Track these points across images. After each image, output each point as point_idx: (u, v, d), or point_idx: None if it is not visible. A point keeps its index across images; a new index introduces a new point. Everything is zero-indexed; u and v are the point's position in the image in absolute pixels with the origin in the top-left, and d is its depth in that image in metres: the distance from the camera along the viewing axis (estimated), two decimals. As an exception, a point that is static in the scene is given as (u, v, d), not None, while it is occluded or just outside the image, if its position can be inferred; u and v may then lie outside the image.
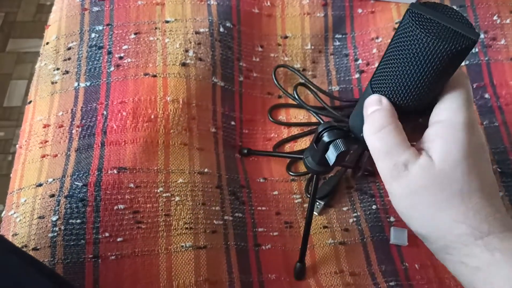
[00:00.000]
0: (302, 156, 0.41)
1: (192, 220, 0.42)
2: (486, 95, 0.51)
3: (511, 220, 0.28)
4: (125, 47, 0.49)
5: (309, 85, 0.53)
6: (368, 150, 0.30)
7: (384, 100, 0.29)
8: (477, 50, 0.52)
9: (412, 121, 0.32)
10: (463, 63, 0.52)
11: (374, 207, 0.46)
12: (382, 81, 0.29)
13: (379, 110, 0.29)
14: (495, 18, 0.53)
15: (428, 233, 0.29)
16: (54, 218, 0.40)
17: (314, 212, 0.46)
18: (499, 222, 0.27)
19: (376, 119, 0.28)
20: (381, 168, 0.29)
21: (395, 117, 0.28)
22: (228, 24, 0.52)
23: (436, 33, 0.25)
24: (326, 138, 0.35)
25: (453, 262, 0.28)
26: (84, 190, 0.41)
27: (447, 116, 0.28)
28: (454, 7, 0.54)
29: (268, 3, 0.55)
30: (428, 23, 0.26)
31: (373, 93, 0.30)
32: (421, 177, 0.27)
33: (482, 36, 0.53)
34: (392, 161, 0.28)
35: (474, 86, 0.51)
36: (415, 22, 0.26)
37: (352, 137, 0.35)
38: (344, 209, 0.47)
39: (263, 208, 0.47)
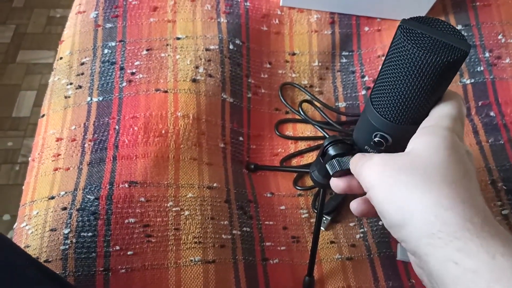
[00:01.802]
0: (308, 170, 0.42)
1: (201, 235, 0.42)
2: (492, 113, 0.51)
3: (500, 226, 0.24)
4: (137, 63, 0.50)
5: (314, 101, 0.54)
6: None
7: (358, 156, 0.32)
8: (482, 68, 0.53)
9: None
10: (468, 81, 0.53)
11: (380, 223, 0.47)
12: (380, 96, 0.30)
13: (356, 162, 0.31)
14: (499, 37, 0.54)
15: (407, 221, 0.25)
16: (66, 231, 0.41)
17: (321, 227, 0.47)
18: (492, 222, 0.24)
19: (356, 166, 0.31)
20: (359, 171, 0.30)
21: (367, 155, 0.31)
22: (237, 41, 0.53)
23: (427, 46, 0.26)
24: (331, 151, 0.36)
25: (438, 258, 0.23)
26: (96, 203, 0.41)
27: (433, 121, 0.28)
28: (460, 26, 0.55)
29: (277, 21, 0.56)
30: (419, 38, 0.26)
31: (373, 107, 0.31)
32: (399, 166, 0.26)
33: (487, 55, 0.54)
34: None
35: (480, 104, 0.52)
36: (407, 37, 0.27)
37: (357, 150, 0.35)
38: (351, 224, 0.47)
39: (271, 222, 0.47)
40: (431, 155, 0.26)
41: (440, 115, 0.28)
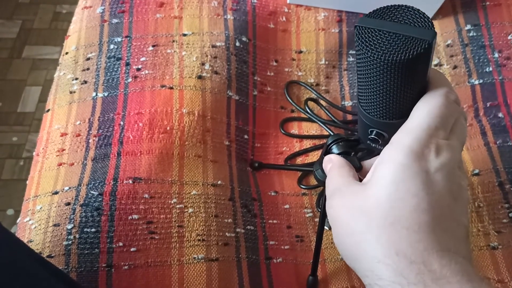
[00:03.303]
0: (312, 168, 0.41)
1: (205, 232, 0.42)
2: (500, 114, 0.51)
3: (464, 267, 0.22)
4: (143, 59, 0.50)
5: (320, 100, 0.53)
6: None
7: (333, 157, 0.32)
8: (491, 69, 0.53)
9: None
10: (476, 82, 0.53)
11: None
12: (361, 95, 0.29)
13: (331, 167, 0.32)
14: (509, 37, 0.54)
15: (354, 266, 0.26)
16: (69, 226, 0.41)
17: (325, 227, 0.47)
18: (438, 269, 0.22)
19: (329, 173, 0.31)
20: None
21: (340, 165, 0.31)
22: (244, 39, 0.53)
23: (383, 45, 0.24)
24: (335, 150, 0.35)
25: None
26: (100, 199, 0.41)
27: (396, 137, 0.26)
28: (469, 26, 0.54)
29: (284, 19, 0.56)
30: (375, 36, 0.24)
31: (360, 106, 0.30)
32: (348, 201, 0.26)
33: (496, 55, 0.53)
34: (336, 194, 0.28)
35: (488, 105, 0.51)
36: (362, 39, 0.25)
37: (361, 147, 0.35)
38: (356, 224, 0.47)
39: (274, 221, 0.47)
40: (379, 191, 0.24)
41: (407, 128, 0.25)
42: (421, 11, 0.25)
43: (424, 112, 0.25)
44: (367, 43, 0.24)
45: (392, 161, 0.25)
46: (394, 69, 0.24)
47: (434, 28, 0.24)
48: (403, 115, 0.28)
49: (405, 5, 0.25)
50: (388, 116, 0.29)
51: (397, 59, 0.24)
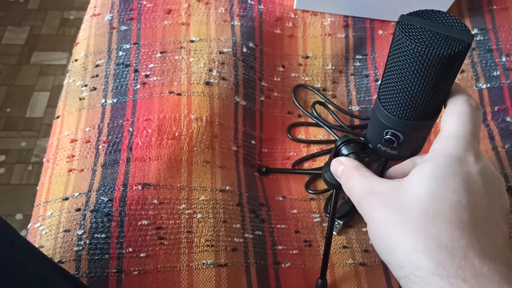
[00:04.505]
0: (320, 172, 0.41)
1: (214, 238, 0.42)
2: (508, 119, 0.50)
3: (503, 269, 0.23)
4: (151, 65, 0.50)
5: (327, 103, 0.53)
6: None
7: (343, 159, 0.33)
8: (498, 73, 0.52)
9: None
10: (484, 86, 0.53)
11: (394, 228, 0.46)
12: (386, 93, 0.30)
13: (343, 169, 0.32)
14: (516, 41, 0.54)
15: (390, 259, 0.26)
16: (79, 232, 0.41)
17: (334, 232, 0.47)
18: (478, 266, 0.22)
19: (344, 176, 0.31)
20: (356, 205, 0.29)
21: (356, 166, 0.31)
22: (251, 45, 0.53)
23: (426, 41, 0.25)
24: (344, 151, 0.36)
25: None
26: (110, 205, 0.42)
27: (435, 146, 0.27)
28: (476, 30, 0.54)
29: (290, 24, 0.56)
30: (418, 32, 0.26)
31: (381, 104, 0.30)
32: (385, 198, 0.27)
33: (503, 59, 0.53)
34: (364, 192, 0.28)
35: (496, 109, 0.51)
36: (405, 33, 0.26)
37: (370, 149, 0.35)
38: (364, 229, 0.47)
39: (283, 226, 0.47)
40: (418, 186, 0.25)
41: (444, 137, 0.27)
42: (456, 18, 0.27)
43: (455, 120, 0.27)
44: (410, 37, 0.26)
45: (432, 162, 0.25)
46: (433, 64, 0.26)
47: (470, 32, 0.26)
48: (425, 117, 0.29)
49: (443, 12, 0.27)
50: (411, 116, 0.29)
51: (439, 53, 0.25)
